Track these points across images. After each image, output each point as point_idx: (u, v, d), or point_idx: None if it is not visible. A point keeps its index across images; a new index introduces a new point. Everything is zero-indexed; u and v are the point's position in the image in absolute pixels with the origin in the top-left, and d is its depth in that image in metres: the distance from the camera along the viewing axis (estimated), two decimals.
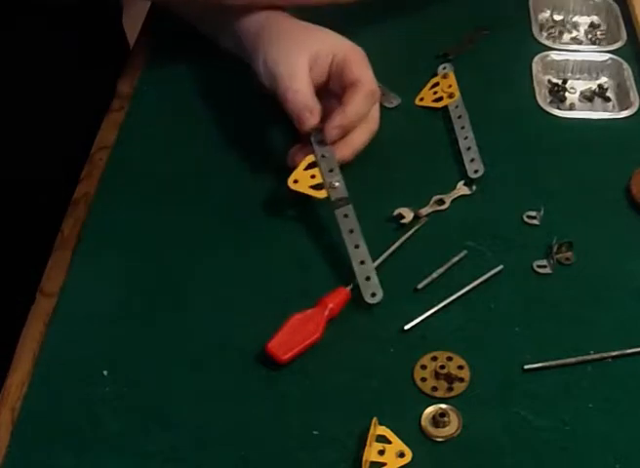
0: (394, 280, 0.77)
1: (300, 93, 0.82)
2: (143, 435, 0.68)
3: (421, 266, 0.78)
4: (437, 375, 0.70)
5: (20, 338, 0.74)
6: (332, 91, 0.85)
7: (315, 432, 0.68)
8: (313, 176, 0.81)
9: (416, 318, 0.74)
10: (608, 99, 0.97)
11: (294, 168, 0.82)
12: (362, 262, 0.76)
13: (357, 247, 0.77)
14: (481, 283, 0.77)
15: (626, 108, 0.94)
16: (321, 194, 0.80)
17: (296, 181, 0.81)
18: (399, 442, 0.66)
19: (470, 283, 0.77)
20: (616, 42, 1.01)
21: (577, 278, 0.78)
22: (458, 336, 0.74)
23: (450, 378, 0.70)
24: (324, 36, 0.86)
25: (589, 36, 1.04)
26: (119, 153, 0.89)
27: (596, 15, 1.06)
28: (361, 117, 0.84)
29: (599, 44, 1.02)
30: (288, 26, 0.88)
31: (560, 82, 0.98)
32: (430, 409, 0.69)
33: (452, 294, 0.76)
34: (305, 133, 0.83)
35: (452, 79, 0.94)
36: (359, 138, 0.85)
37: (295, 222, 0.83)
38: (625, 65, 0.97)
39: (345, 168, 0.85)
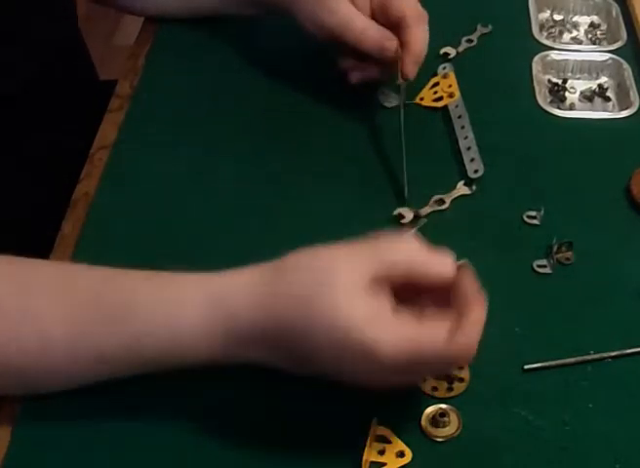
0: None
1: (367, 30, 0.87)
2: (143, 435, 0.68)
3: None
4: (437, 375, 0.70)
5: None
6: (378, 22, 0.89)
7: (315, 432, 0.68)
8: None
9: None
10: (608, 99, 0.97)
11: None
12: None
13: None
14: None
15: (626, 108, 0.94)
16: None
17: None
18: (399, 442, 0.66)
19: None
20: (616, 42, 1.01)
21: (577, 278, 0.78)
22: None
23: (450, 378, 0.70)
24: None
25: (589, 36, 1.04)
26: (119, 153, 0.89)
27: (596, 15, 1.06)
28: (425, 44, 0.89)
29: (599, 44, 1.02)
30: None
31: (560, 82, 0.98)
32: (430, 409, 0.68)
33: None
34: (391, 61, 0.88)
35: (452, 79, 0.94)
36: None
37: (295, 223, 0.83)
38: (625, 65, 0.97)
39: (345, 168, 0.86)
